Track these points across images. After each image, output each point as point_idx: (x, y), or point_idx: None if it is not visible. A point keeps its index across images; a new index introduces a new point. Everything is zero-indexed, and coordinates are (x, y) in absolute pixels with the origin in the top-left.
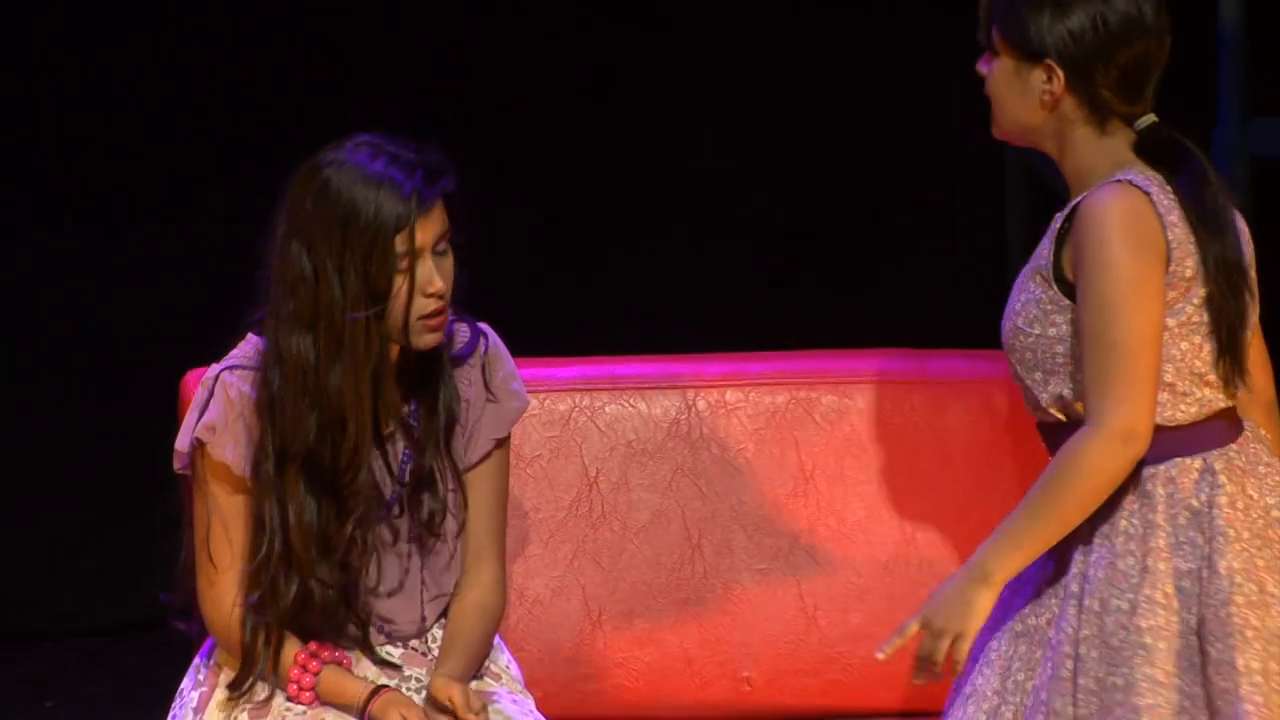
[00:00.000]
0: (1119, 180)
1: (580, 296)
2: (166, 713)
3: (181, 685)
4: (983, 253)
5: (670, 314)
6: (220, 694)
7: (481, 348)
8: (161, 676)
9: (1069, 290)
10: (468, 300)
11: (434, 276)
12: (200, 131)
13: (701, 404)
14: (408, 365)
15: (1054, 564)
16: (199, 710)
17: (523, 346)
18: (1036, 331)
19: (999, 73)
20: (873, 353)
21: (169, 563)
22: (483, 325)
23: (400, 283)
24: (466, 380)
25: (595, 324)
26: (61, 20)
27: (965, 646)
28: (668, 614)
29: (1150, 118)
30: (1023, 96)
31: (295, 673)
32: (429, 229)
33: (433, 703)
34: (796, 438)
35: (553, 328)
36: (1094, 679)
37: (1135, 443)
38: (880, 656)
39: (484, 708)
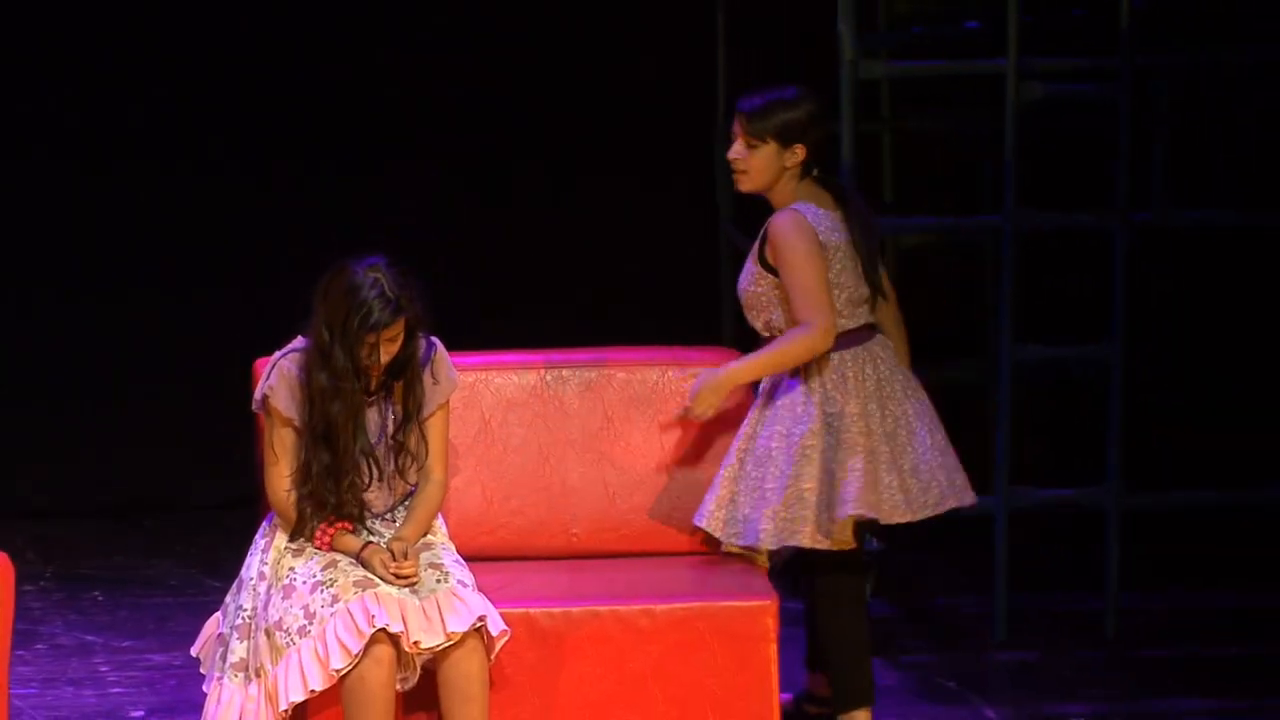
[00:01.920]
0: (793, 208)
1: (487, 313)
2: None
3: (255, 536)
4: (703, 292)
5: (531, 322)
6: (278, 542)
7: (430, 353)
8: (244, 533)
9: (770, 269)
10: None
11: (378, 362)
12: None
13: (549, 377)
14: (394, 365)
15: (772, 404)
16: (265, 550)
17: (456, 341)
18: (754, 289)
19: (763, 155)
20: (645, 348)
21: (250, 464)
22: (433, 339)
23: (365, 355)
24: (425, 372)
25: (491, 328)
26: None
27: (708, 402)
28: (529, 498)
29: (817, 170)
30: (775, 168)
31: (319, 535)
32: (386, 334)
33: (388, 549)
34: (603, 396)
35: (473, 331)
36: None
37: (831, 336)
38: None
39: (416, 556)
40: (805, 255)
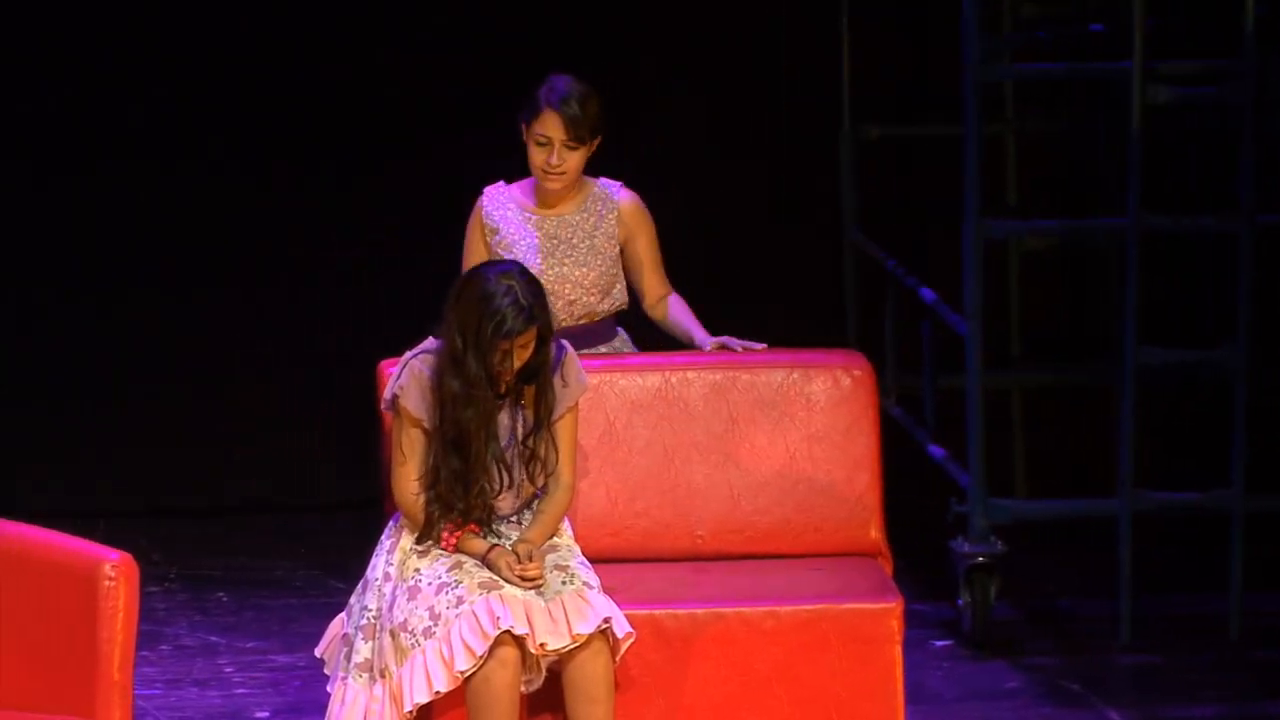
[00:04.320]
0: (623, 186)
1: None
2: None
3: (380, 537)
4: (827, 301)
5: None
6: (405, 543)
7: (560, 356)
8: (369, 534)
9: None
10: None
11: (510, 369)
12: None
13: (674, 379)
14: (525, 370)
15: None
16: (391, 551)
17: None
18: (609, 272)
19: (581, 154)
20: (770, 350)
21: (375, 464)
22: (564, 342)
23: (497, 361)
24: (555, 376)
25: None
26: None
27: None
28: (654, 499)
29: None
30: (583, 163)
31: (445, 536)
32: (518, 343)
33: (514, 551)
34: (728, 398)
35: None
36: None
37: None
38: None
39: (542, 558)
40: None
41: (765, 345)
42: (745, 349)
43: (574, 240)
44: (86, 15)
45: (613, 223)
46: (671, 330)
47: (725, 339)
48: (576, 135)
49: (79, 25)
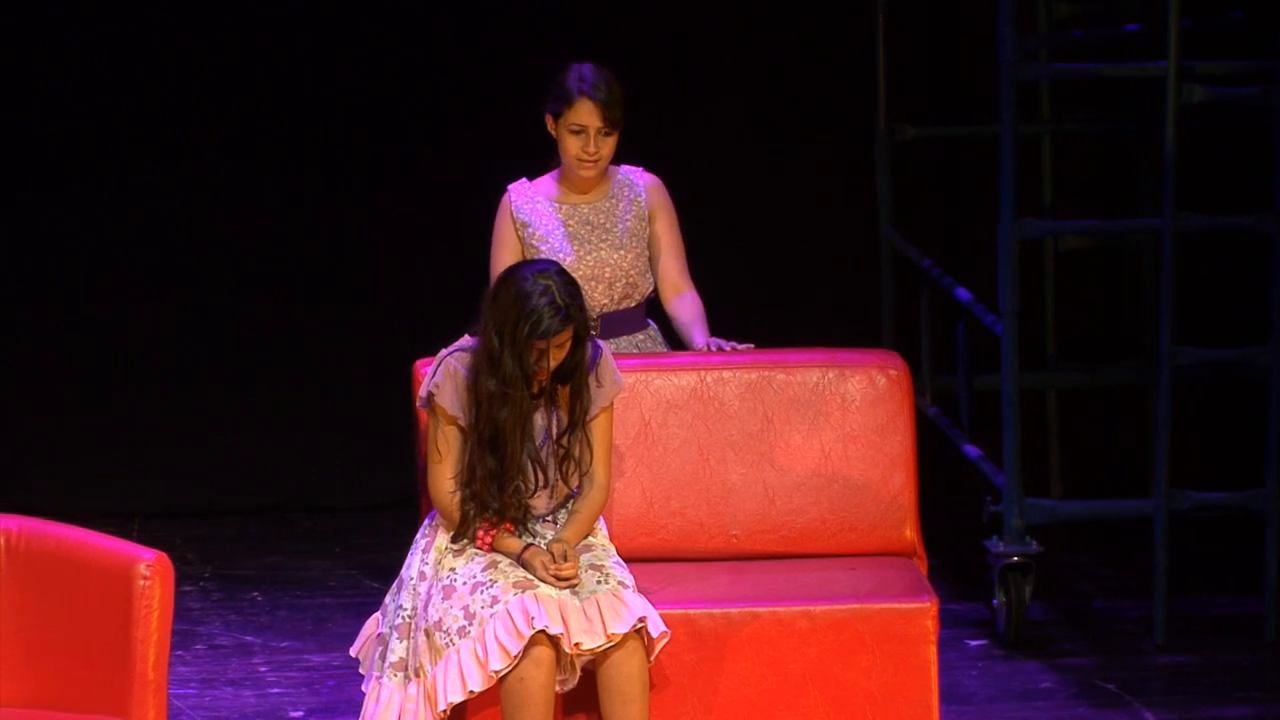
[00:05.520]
0: (646, 170)
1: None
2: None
3: (416, 536)
4: (862, 300)
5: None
6: (440, 541)
7: (596, 357)
8: (402, 533)
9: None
10: None
11: (546, 368)
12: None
13: (709, 379)
14: (561, 370)
15: None
16: (426, 550)
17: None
18: (640, 258)
19: (614, 140)
20: (805, 350)
21: (407, 464)
22: (599, 342)
23: (533, 361)
24: (590, 376)
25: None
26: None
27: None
28: (689, 499)
29: None
30: (615, 146)
31: (481, 534)
32: (555, 343)
33: (549, 550)
34: (764, 397)
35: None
36: None
37: None
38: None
39: (577, 558)
40: None
41: (752, 345)
42: (733, 349)
43: (607, 225)
44: (94, 19)
45: (642, 204)
46: (677, 329)
47: (716, 340)
48: (612, 120)
49: (85, 28)
